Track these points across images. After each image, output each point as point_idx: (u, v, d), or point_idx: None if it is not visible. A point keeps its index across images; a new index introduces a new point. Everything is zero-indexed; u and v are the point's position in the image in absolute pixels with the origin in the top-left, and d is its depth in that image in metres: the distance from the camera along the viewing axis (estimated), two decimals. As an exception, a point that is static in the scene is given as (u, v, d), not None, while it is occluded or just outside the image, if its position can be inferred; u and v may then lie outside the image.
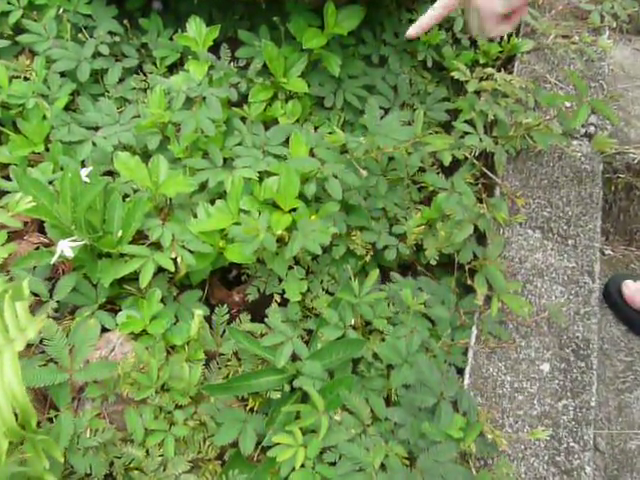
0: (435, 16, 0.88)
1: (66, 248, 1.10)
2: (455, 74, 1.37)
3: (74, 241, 1.14)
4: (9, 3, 1.54)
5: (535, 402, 1.00)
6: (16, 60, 1.53)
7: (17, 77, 1.51)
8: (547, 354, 1.05)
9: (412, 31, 0.90)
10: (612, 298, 1.40)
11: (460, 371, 1.06)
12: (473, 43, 1.56)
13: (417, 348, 1.03)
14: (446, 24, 1.58)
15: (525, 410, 0.99)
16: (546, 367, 1.03)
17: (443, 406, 0.93)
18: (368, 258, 1.26)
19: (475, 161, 1.32)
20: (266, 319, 1.18)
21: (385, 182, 1.31)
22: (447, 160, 1.35)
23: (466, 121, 1.35)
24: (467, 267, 1.14)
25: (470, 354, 1.05)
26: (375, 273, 1.17)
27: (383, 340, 1.14)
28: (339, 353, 1.06)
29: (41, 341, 1.03)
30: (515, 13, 0.82)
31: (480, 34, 0.85)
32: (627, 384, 1.27)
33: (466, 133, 1.27)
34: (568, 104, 1.44)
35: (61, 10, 1.56)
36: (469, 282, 1.12)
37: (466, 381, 1.03)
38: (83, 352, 1.00)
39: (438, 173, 1.40)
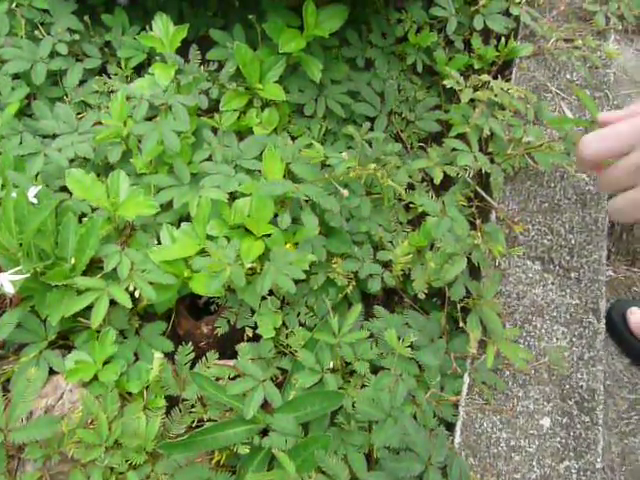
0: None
1: (6, 283, 0.97)
2: (447, 82, 1.24)
3: (17, 273, 1.00)
4: (-46, -4, 1.39)
5: (534, 463, 0.89)
6: (-37, 60, 1.38)
7: (-36, 79, 1.37)
8: (547, 406, 0.94)
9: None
10: (614, 327, 1.29)
11: (450, 426, 0.95)
12: (467, 46, 1.43)
13: (402, 401, 0.91)
14: (438, 24, 1.45)
15: (523, 473, 0.88)
16: (546, 422, 0.92)
17: (431, 474, 0.82)
18: (350, 289, 1.14)
19: (469, 179, 1.20)
20: (235, 361, 1.06)
21: (369, 203, 1.18)
22: (438, 178, 1.22)
23: (459, 135, 1.22)
24: (459, 305, 1.02)
25: (462, 407, 0.94)
26: (357, 309, 1.05)
27: (364, 386, 1.02)
28: (315, 405, 0.94)
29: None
30: None
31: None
32: (631, 426, 1.16)
33: (458, 150, 1.15)
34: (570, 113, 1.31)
35: (14, 4, 1.41)
36: (461, 324, 1.00)
37: (457, 439, 0.92)
38: (22, 408, 0.87)
39: (428, 191, 1.28)
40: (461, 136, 1.22)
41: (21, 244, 1.05)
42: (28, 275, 1.00)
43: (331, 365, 1.01)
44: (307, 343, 1.05)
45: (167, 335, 1.18)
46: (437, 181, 1.22)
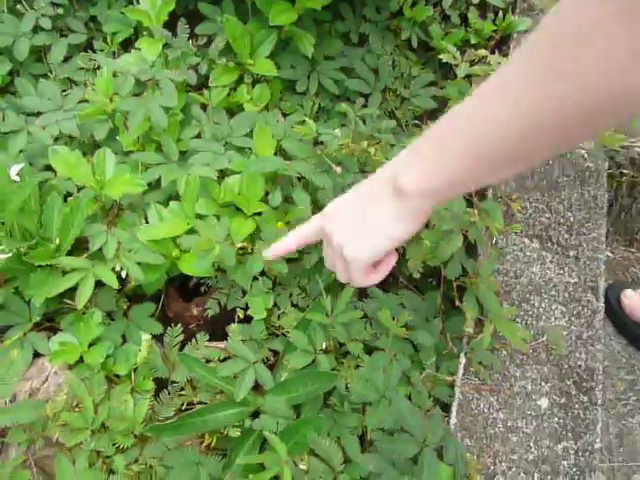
0: (298, 238, 0.76)
1: (-13, 263, 0.93)
2: (444, 57, 1.20)
3: (0, 254, 0.97)
4: None
5: (532, 444, 0.87)
6: (-56, 35, 1.33)
7: (-56, 55, 1.32)
8: (545, 387, 0.92)
9: (268, 254, 0.78)
10: (610, 308, 1.27)
11: (446, 407, 0.93)
12: (464, 21, 1.39)
13: (397, 382, 0.88)
14: (434, -2, 1.41)
15: (520, 454, 0.86)
16: (544, 402, 0.90)
17: (426, 455, 0.80)
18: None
19: (465, 157, 1.17)
20: (225, 342, 1.03)
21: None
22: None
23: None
24: (455, 284, 0.99)
25: (457, 387, 0.92)
26: (350, 290, 1.02)
27: (358, 367, 1.00)
28: (307, 386, 0.92)
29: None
30: (384, 261, 0.67)
31: (347, 282, 0.70)
32: (629, 407, 1.14)
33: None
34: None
35: (-5, -23, 1.36)
36: (457, 303, 0.97)
37: (452, 420, 0.90)
38: (3, 390, 0.85)
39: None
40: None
41: (3, 223, 1.02)
42: (10, 255, 0.97)
43: (324, 346, 0.99)
44: (299, 324, 1.02)
45: (156, 317, 1.15)
46: (432, 158, 1.19)
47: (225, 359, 1.03)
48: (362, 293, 1.10)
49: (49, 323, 1.10)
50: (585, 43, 0.39)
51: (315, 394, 0.91)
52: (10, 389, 0.85)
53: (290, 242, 0.76)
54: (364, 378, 0.89)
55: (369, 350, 1.02)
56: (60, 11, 1.38)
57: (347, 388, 0.93)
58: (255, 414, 0.95)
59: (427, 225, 1.11)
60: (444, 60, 1.20)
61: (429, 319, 1.06)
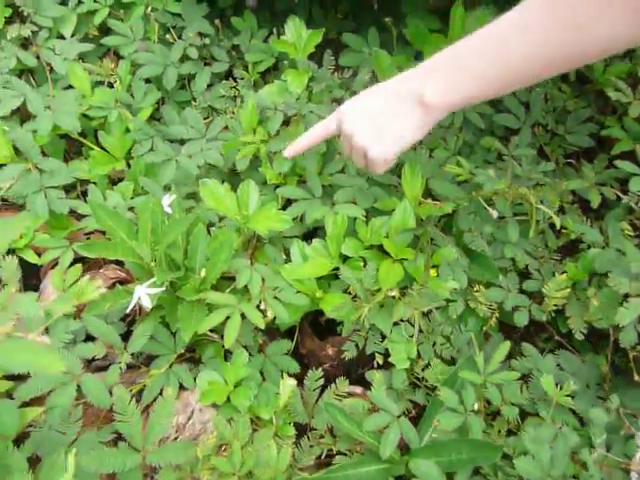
0: (314, 137, 0.89)
1: (144, 297, 0.95)
2: (612, 94, 1.11)
3: (153, 286, 0.99)
4: (95, 1, 1.41)
5: None
6: (101, 62, 1.40)
7: (101, 82, 1.39)
8: None
9: (288, 152, 0.91)
10: None
11: (620, 496, 0.83)
12: (629, 51, 1.28)
13: (566, 461, 0.80)
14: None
15: None
16: None
17: None
18: (493, 321, 1.04)
19: (634, 205, 1.06)
20: (362, 389, 0.99)
21: (517, 226, 1.08)
22: (596, 201, 1.10)
23: (623, 154, 1.09)
24: (632, 354, 0.89)
25: (634, 474, 0.82)
26: (505, 346, 0.95)
27: (511, 433, 0.93)
28: (461, 453, 0.86)
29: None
30: None
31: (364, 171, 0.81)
32: None
33: (629, 173, 1.01)
34: None
35: (149, 9, 1.41)
36: (636, 377, 0.87)
37: (630, 512, 0.80)
38: (158, 430, 0.85)
39: (579, 215, 1.15)
40: (626, 155, 1.09)
41: (154, 255, 1.04)
42: (164, 289, 0.99)
43: (475, 407, 0.92)
44: (448, 380, 0.96)
45: (291, 353, 1.14)
46: (595, 205, 1.10)
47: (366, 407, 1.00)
48: (514, 349, 1.02)
49: (189, 354, 1.11)
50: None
51: (471, 464, 0.85)
52: (165, 428, 0.85)
53: (306, 141, 0.89)
54: (529, 452, 0.81)
55: (522, 413, 0.95)
56: (207, 41, 1.42)
57: (502, 458, 0.86)
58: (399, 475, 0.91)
59: (589, 281, 1.02)
60: (613, 98, 1.10)
61: (590, 386, 0.96)
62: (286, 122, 1.24)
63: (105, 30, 1.44)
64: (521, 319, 1.03)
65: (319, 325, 1.22)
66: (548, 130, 1.29)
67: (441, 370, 1.00)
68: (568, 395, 0.88)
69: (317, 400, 1.02)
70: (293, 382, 0.94)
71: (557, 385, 0.89)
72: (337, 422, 0.93)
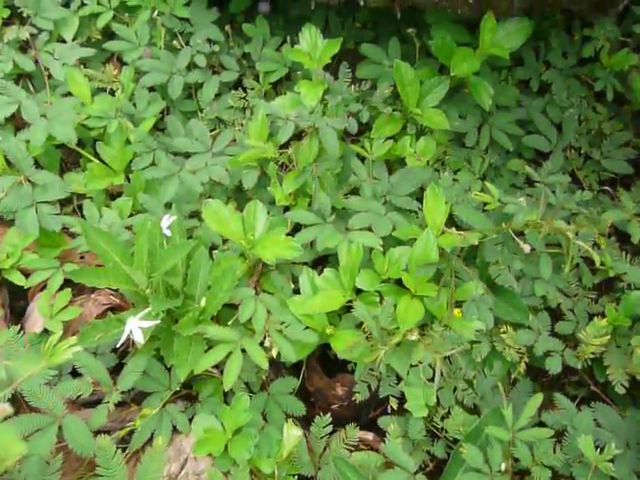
0: None
1: (136, 331, 0.85)
2: (656, 117, 1.01)
3: (148, 317, 0.89)
4: (99, 4, 1.33)
5: None
6: (103, 68, 1.32)
7: (103, 89, 1.30)
8: None
9: None
10: None
11: None
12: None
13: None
14: (633, 42, 1.21)
15: None
16: None
17: None
18: (522, 367, 0.94)
19: (681, 242, 0.96)
20: (382, 445, 0.89)
21: (550, 262, 0.98)
22: (637, 235, 1.00)
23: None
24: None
25: None
26: (538, 399, 0.85)
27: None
28: (487, 523, 0.76)
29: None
30: None
31: None
32: None
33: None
34: None
35: (155, 13, 1.33)
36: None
37: None
38: (145, 485, 0.75)
39: (616, 249, 1.05)
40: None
41: (150, 281, 0.95)
42: (159, 322, 0.89)
43: (502, 467, 0.82)
44: (471, 434, 0.86)
45: (296, 391, 1.04)
46: (636, 239, 0.99)
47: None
48: (546, 399, 0.92)
49: (186, 390, 1.02)
50: None
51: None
52: (153, 484, 0.75)
53: None
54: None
55: (555, 476, 0.84)
56: (216, 48, 1.33)
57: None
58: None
59: (631, 327, 0.91)
60: (658, 122, 1.00)
61: (630, 445, 0.86)
62: (297, 136, 1.15)
63: (109, 34, 1.36)
64: (554, 365, 0.93)
65: (327, 358, 1.13)
66: (581, 154, 1.19)
67: (463, 420, 0.90)
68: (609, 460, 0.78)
69: (324, 449, 0.92)
70: (298, 432, 0.84)
71: (597, 448, 0.79)
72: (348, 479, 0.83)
